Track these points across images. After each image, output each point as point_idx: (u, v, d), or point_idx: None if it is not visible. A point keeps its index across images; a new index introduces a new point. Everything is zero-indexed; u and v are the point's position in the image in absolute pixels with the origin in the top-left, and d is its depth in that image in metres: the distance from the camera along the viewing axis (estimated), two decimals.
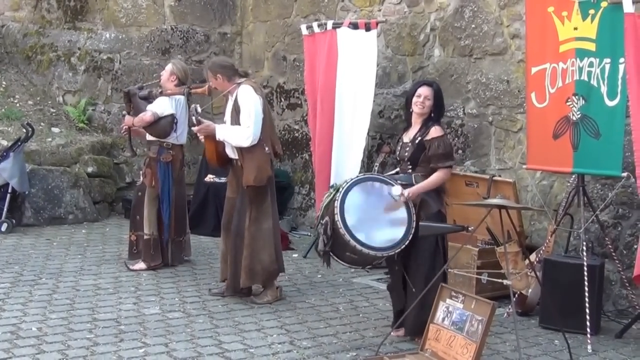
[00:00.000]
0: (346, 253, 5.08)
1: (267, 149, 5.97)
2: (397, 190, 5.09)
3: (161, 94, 6.85)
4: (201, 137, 6.09)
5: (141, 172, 7.26)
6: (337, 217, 4.95)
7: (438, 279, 4.95)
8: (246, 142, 5.86)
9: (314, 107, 7.93)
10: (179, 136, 6.99)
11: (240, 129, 5.87)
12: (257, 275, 6.04)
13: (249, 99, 5.89)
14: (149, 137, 7.04)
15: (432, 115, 5.26)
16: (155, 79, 7.65)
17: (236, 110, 5.93)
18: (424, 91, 5.26)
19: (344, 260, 5.21)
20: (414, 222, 5.09)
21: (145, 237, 6.98)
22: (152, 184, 6.96)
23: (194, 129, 6.07)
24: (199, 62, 10.26)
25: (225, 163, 6.18)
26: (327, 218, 5.04)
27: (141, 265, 6.96)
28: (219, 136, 5.96)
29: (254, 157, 5.91)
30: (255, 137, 5.86)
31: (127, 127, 7.11)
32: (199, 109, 6.01)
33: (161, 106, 6.84)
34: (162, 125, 6.86)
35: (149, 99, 6.89)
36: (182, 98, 6.85)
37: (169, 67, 7.09)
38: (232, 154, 6.05)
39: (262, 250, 6.00)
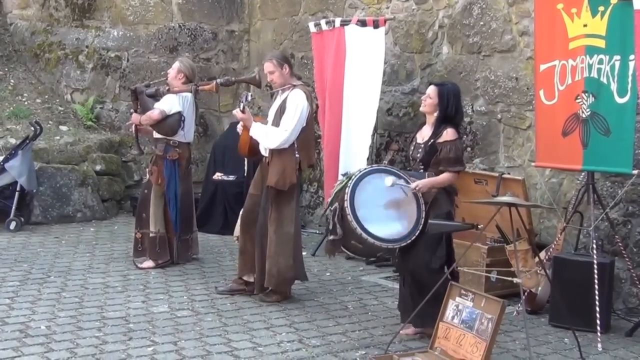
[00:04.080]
0: (351, 242, 5.07)
1: (297, 155, 5.88)
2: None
3: (168, 91, 6.83)
4: (239, 126, 6.07)
5: (147, 169, 7.26)
6: (347, 204, 4.95)
7: (445, 276, 4.93)
8: (273, 145, 5.81)
9: (324, 104, 7.91)
10: (186, 134, 6.96)
11: (275, 131, 5.82)
12: (272, 278, 5.94)
13: (298, 104, 5.81)
14: (155, 135, 7.02)
15: (438, 115, 5.24)
16: (162, 76, 7.65)
17: (281, 111, 5.86)
18: (428, 90, 5.32)
19: (349, 249, 5.21)
20: (422, 219, 5.09)
21: (150, 234, 6.97)
22: (158, 181, 6.94)
23: (238, 115, 5.99)
24: (206, 60, 10.28)
25: (253, 155, 6.14)
26: (336, 204, 5.05)
27: (149, 263, 6.96)
28: (252, 133, 5.91)
29: (282, 161, 5.84)
30: (287, 143, 5.80)
31: (134, 125, 7.11)
32: (249, 97, 6.00)
33: (169, 104, 6.82)
34: (170, 123, 6.85)
35: (156, 96, 6.87)
36: (189, 95, 6.84)
37: (176, 64, 7.08)
38: (263, 151, 5.99)
39: (279, 254, 5.90)
